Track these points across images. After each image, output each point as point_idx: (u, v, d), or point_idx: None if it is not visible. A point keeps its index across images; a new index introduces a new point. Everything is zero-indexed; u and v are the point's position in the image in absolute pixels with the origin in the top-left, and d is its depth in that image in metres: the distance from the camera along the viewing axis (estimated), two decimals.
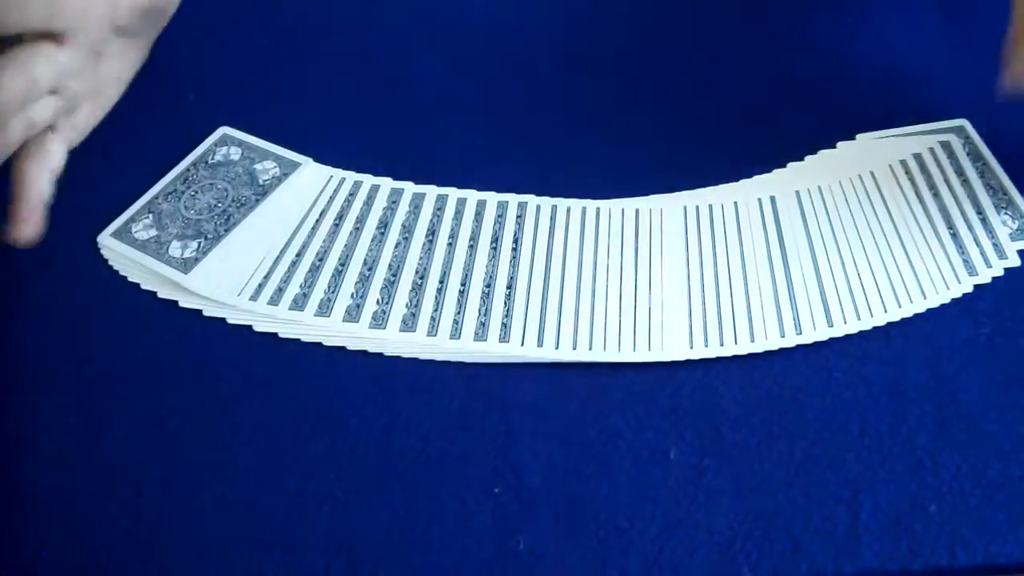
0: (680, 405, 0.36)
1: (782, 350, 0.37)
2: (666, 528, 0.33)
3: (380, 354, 0.38)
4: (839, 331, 0.37)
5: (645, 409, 0.36)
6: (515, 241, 0.41)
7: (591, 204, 0.42)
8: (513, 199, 0.43)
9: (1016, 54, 0.37)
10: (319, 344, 0.38)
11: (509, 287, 0.39)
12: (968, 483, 0.33)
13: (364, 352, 0.38)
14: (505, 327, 0.38)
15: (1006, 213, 0.40)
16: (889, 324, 0.37)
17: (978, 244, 0.39)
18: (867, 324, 0.37)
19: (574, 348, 0.37)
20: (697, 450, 0.35)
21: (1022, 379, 0.36)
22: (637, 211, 0.42)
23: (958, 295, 0.38)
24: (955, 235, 0.39)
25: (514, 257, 0.40)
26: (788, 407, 0.36)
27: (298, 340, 0.38)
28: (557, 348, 0.37)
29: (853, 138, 0.44)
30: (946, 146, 0.43)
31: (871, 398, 0.36)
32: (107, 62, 0.42)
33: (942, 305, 0.38)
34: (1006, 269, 0.38)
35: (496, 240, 0.41)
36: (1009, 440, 0.34)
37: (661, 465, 0.34)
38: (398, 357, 0.38)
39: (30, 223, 0.37)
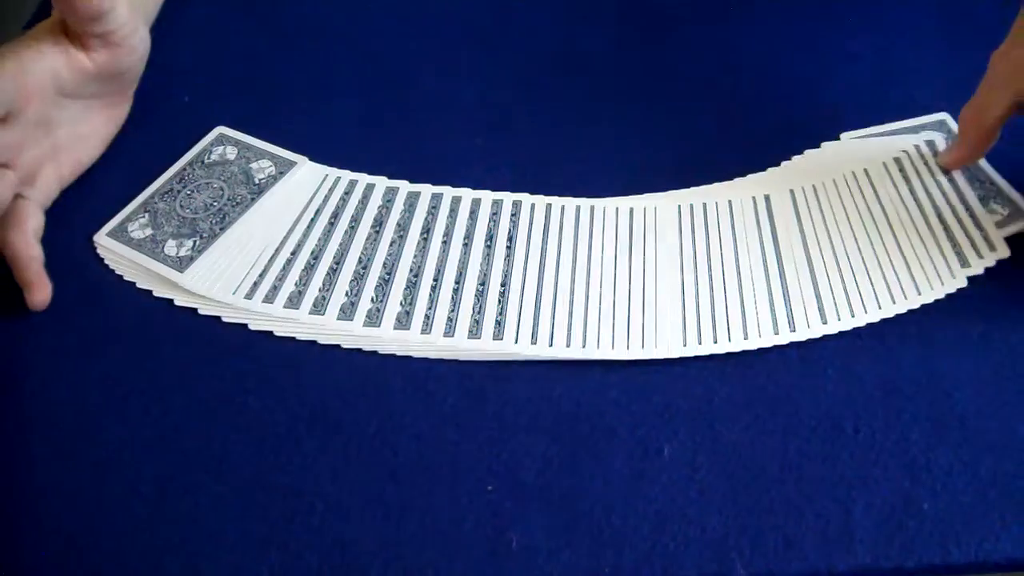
0: (673, 402, 0.36)
1: (776, 347, 0.37)
2: (659, 525, 0.33)
3: (374, 352, 0.38)
4: (833, 328, 0.37)
5: (639, 406, 0.36)
6: (509, 239, 0.41)
7: (585, 202, 0.42)
8: (508, 197, 0.43)
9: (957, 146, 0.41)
10: (314, 342, 0.38)
11: (503, 285, 0.39)
12: (961, 481, 0.33)
13: (359, 350, 0.38)
14: (499, 325, 0.38)
15: (995, 203, 0.40)
16: (883, 321, 0.37)
17: (968, 237, 0.39)
18: (861, 321, 0.37)
19: (568, 346, 0.37)
20: (690, 447, 0.35)
21: (1015, 377, 0.36)
22: (631, 209, 0.42)
23: (952, 290, 0.38)
24: (946, 228, 0.39)
25: (508, 255, 0.40)
26: (782, 404, 0.36)
27: (293, 338, 0.38)
28: (551, 346, 0.37)
29: (838, 137, 0.44)
30: (930, 144, 0.43)
31: (864, 395, 0.36)
32: (68, 126, 0.42)
33: (935, 302, 0.38)
34: (998, 261, 0.38)
35: (491, 238, 0.41)
36: (1002, 437, 0.34)
37: (654, 462, 0.34)
38: (392, 355, 0.38)
39: (40, 286, 0.39)
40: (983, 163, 0.42)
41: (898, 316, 0.37)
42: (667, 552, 0.32)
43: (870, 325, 0.37)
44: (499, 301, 0.39)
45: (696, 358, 0.37)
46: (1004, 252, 0.38)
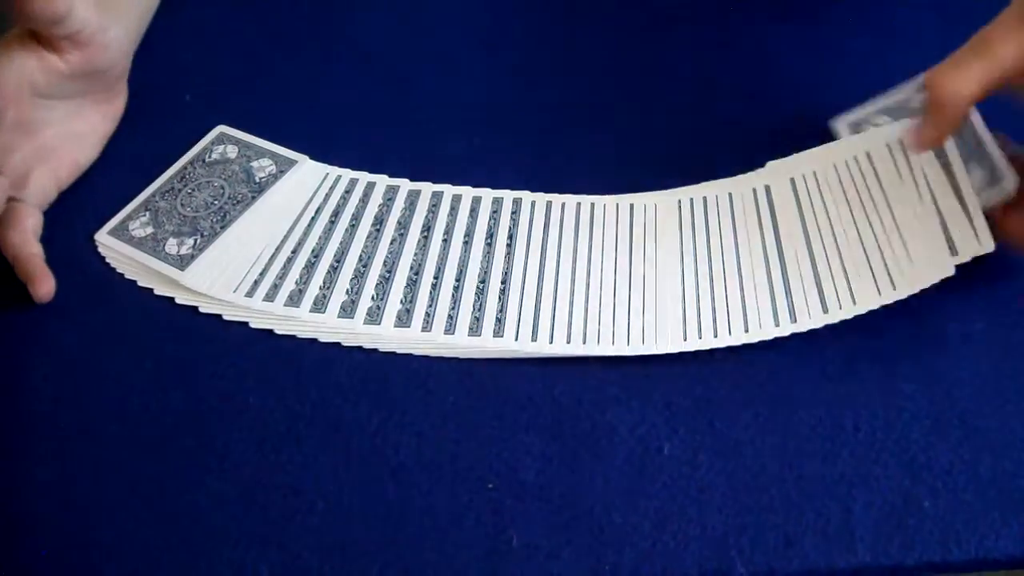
0: (674, 401, 0.36)
1: (776, 345, 0.37)
2: (659, 523, 0.33)
3: (375, 350, 0.38)
4: (834, 317, 0.36)
5: (639, 404, 0.36)
6: (510, 237, 0.41)
7: (585, 199, 0.42)
8: (508, 195, 0.43)
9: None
10: (314, 340, 0.38)
11: (504, 282, 0.39)
12: (961, 479, 0.33)
13: (359, 348, 0.38)
14: (499, 322, 0.38)
15: (976, 165, 0.38)
16: (883, 319, 0.37)
17: (960, 226, 0.37)
18: (862, 308, 0.36)
19: (568, 343, 0.37)
20: (691, 445, 0.35)
21: (1015, 374, 0.36)
22: (631, 206, 0.42)
23: (940, 278, 0.36)
24: (940, 216, 0.37)
25: (509, 252, 0.40)
26: (782, 402, 0.36)
27: (293, 336, 0.38)
28: (551, 343, 0.37)
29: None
30: None
31: (865, 393, 0.36)
32: (57, 126, 0.42)
33: (935, 300, 0.37)
34: (998, 258, 0.38)
35: (491, 236, 0.41)
36: (1002, 435, 0.34)
37: (655, 460, 0.34)
38: (393, 353, 0.38)
39: (43, 278, 0.39)
40: (973, 117, 0.39)
41: (897, 315, 0.37)
42: (667, 550, 0.32)
43: (870, 323, 0.37)
44: (499, 299, 0.39)
45: (696, 357, 0.37)
46: (989, 246, 0.36)
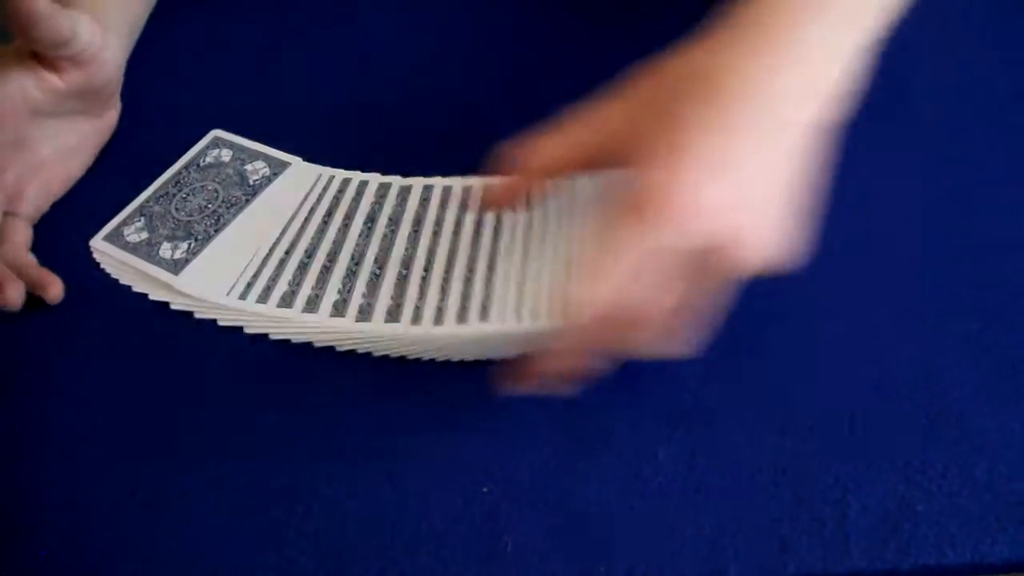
0: (670, 403, 0.36)
1: (771, 347, 0.37)
2: (654, 526, 0.33)
3: (369, 353, 0.38)
4: None
5: (635, 407, 0.36)
6: (498, 221, 0.41)
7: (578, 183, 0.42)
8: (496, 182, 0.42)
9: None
10: (309, 344, 0.38)
11: (490, 268, 0.39)
12: (956, 482, 0.33)
13: (354, 351, 0.38)
14: (485, 309, 0.37)
15: None
16: (878, 319, 0.37)
17: None
18: None
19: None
20: (686, 448, 0.35)
21: (1011, 377, 0.36)
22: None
23: None
24: None
25: (496, 239, 0.40)
26: (777, 405, 0.35)
27: (288, 340, 0.38)
28: (536, 320, 0.36)
29: None
30: None
31: (860, 396, 0.35)
32: (52, 142, 0.42)
33: (932, 301, 0.37)
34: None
35: (480, 224, 0.41)
36: (998, 439, 0.34)
37: (650, 463, 0.34)
38: (388, 356, 0.38)
39: (50, 281, 0.39)
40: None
41: (893, 314, 0.37)
42: (662, 553, 0.32)
43: (866, 324, 0.37)
44: (485, 286, 0.38)
45: (693, 360, 0.37)
46: None
